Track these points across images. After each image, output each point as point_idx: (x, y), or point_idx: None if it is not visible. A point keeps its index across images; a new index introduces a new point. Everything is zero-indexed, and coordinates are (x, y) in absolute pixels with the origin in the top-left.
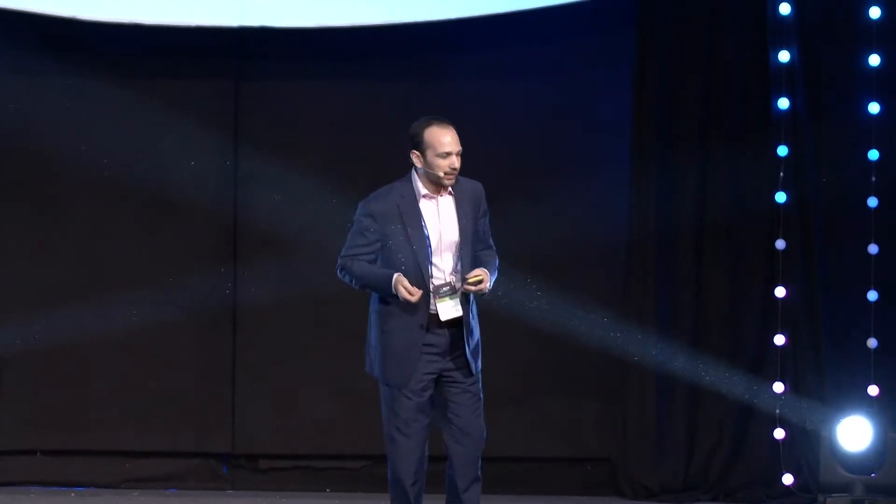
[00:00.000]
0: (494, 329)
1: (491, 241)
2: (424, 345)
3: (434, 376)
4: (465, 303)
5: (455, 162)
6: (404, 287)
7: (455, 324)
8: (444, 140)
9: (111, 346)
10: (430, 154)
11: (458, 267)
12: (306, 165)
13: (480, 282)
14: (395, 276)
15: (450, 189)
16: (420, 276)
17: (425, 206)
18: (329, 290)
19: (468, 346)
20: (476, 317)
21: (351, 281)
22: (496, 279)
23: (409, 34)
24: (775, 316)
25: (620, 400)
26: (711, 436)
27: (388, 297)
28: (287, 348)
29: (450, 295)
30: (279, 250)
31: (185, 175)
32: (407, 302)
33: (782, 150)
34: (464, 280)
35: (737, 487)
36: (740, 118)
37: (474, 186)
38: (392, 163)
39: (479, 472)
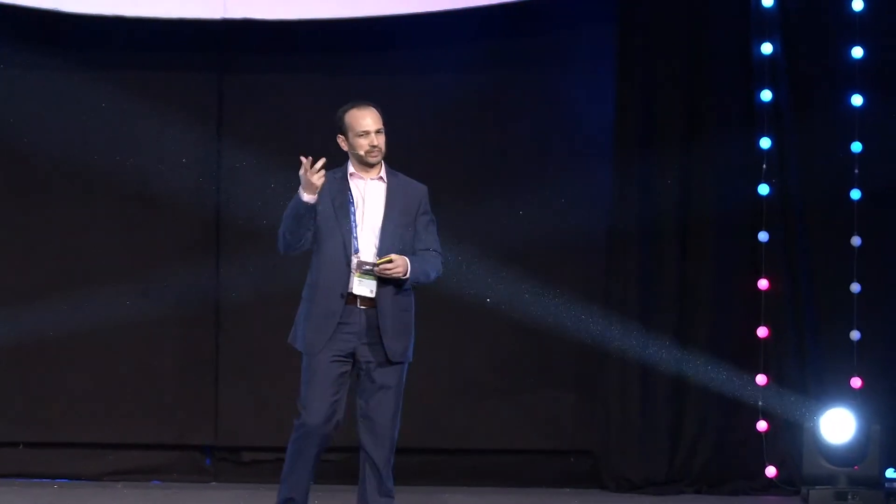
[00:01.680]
0: (477, 322)
1: (436, 247)
2: (341, 321)
3: (349, 355)
4: (383, 287)
5: (374, 139)
6: (305, 170)
7: (374, 306)
8: (363, 121)
9: (94, 339)
10: (351, 135)
11: (380, 249)
12: (290, 159)
13: (390, 262)
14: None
15: (382, 176)
16: (343, 250)
17: (354, 186)
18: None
19: (383, 331)
20: (408, 308)
21: (283, 234)
22: (431, 277)
23: (393, 26)
24: (758, 308)
25: (603, 392)
26: (694, 428)
27: (304, 210)
28: (269, 341)
29: (366, 274)
30: (262, 244)
31: (168, 168)
32: (331, 258)
33: (765, 143)
34: (362, 262)
35: (720, 480)
36: (723, 110)
37: (417, 187)
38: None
39: (391, 485)
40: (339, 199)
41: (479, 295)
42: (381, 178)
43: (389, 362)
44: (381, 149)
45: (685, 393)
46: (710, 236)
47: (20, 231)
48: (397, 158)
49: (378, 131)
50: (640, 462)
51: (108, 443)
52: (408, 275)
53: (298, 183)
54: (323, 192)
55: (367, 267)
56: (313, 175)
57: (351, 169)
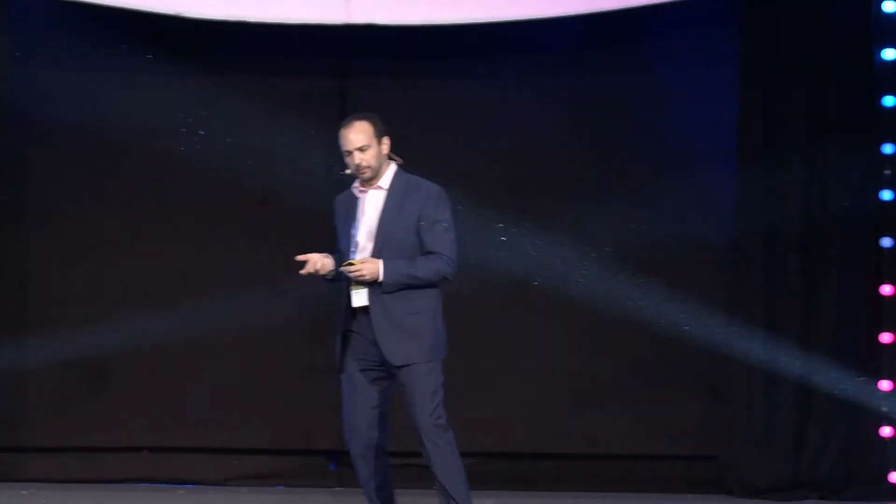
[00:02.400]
0: (601, 326)
1: (441, 248)
2: (355, 331)
3: (377, 363)
4: (374, 294)
5: (356, 158)
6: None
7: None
8: (344, 141)
9: (218, 344)
10: (344, 157)
11: (372, 256)
12: (412, 163)
13: (351, 265)
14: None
15: (381, 184)
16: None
17: (360, 199)
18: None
19: (377, 336)
20: (418, 311)
21: None
22: (428, 277)
23: (513, 31)
24: (881, 314)
25: (728, 398)
26: (818, 434)
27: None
28: None
29: (358, 284)
30: None
31: (292, 174)
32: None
33: (887, 148)
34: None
35: (844, 485)
36: (845, 116)
37: (423, 190)
38: (497, 159)
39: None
40: (349, 216)
41: (603, 300)
42: (380, 186)
43: (398, 366)
44: (368, 166)
45: (809, 398)
46: (833, 242)
47: (145, 237)
48: (516, 165)
49: (361, 148)
50: (764, 467)
51: (232, 448)
52: (380, 277)
53: None
54: (338, 210)
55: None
56: (311, 270)
57: (356, 181)
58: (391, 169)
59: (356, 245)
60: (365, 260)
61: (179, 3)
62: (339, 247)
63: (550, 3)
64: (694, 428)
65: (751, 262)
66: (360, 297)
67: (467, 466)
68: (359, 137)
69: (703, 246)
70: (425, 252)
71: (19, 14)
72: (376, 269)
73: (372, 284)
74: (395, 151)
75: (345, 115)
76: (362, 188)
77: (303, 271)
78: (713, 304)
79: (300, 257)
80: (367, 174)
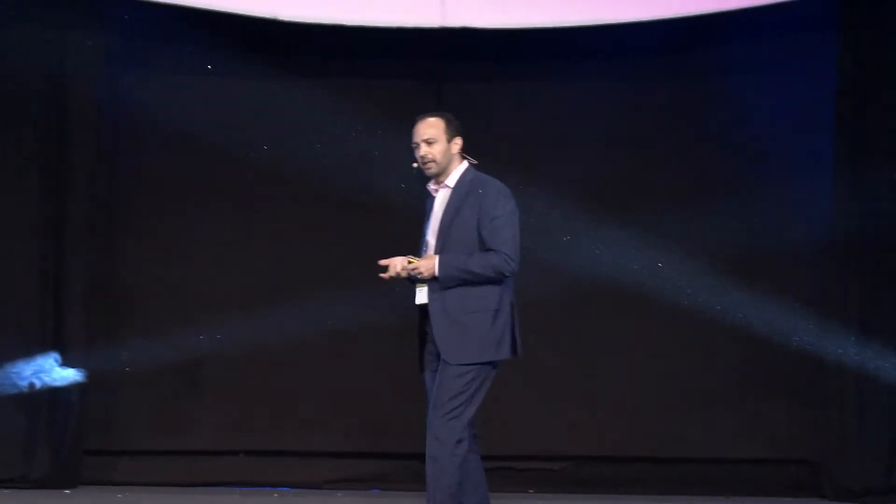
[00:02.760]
0: (696, 330)
1: (498, 245)
2: (424, 329)
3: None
4: (433, 291)
5: (422, 150)
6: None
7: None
8: (414, 133)
9: (314, 347)
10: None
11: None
12: (506, 167)
13: (414, 268)
14: None
15: (448, 183)
16: None
17: (432, 200)
18: (535, 294)
19: (433, 331)
20: (475, 310)
21: None
22: (484, 272)
23: (612, 34)
24: None
25: (823, 401)
26: None
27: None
28: None
29: (420, 283)
30: None
31: (388, 176)
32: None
33: None
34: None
35: None
36: None
37: (482, 187)
38: (591, 162)
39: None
40: (427, 215)
41: (699, 305)
42: (447, 185)
43: (447, 362)
44: (432, 159)
45: None
46: None
47: (240, 240)
48: (610, 168)
49: (428, 141)
50: (859, 471)
51: (327, 451)
52: (435, 272)
53: (515, 188)
54: (427, 210)
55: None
56: (392, 274)
57: (431, 181)
58: (461, 168)
59: (426, 244)
60: (423, 257)
61: (276, 6)
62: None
63: (648, 6)
64: (788, 431)
65: (846, 264)
66: (421, 295)
67: (561, 470)
68: (428, 131)
69: (798, 248)
70: (485, 249)
71: (113, 17)
72: (432, 264)
73: (432, 281)
74: (487, 154)
75: None
76: (434, 187)
77: (384, 275)
78: (809, 307)
79: (383, 262)
80: (433, 169)
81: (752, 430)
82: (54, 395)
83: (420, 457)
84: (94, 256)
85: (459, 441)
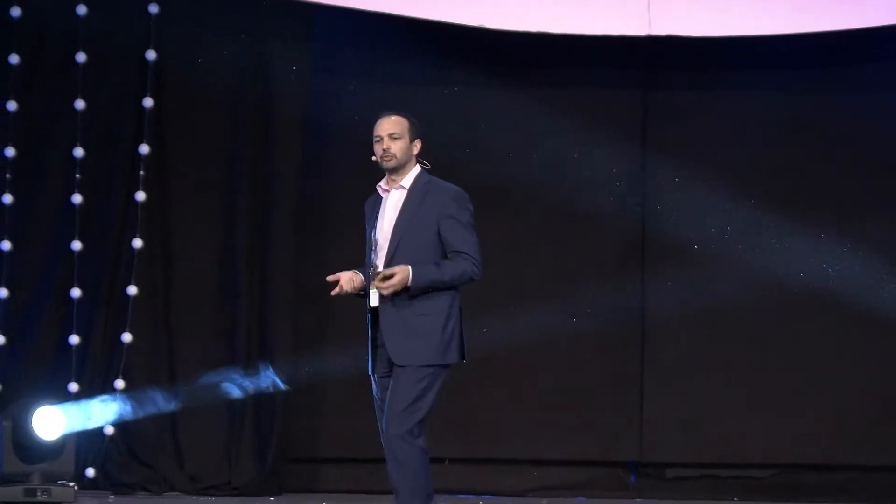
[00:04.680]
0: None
1: (465, 248)
2: (376, 335)
3: (390, 366)
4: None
5: (385, 144)
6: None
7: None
8: (378, 127)
9: (519, 355)
10: (374, 144)
11: (389, 259)
12: (716, 176)
13: (386, 279)
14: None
15: (404, 184)
16: (368, 264)
17: (385, 199)
18: (737, 301)
19: (384, 334)
20: (429, 312)
21: None
22: (454, 280)
23: (805, 42)
24: None
25: None
26: None
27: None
28: (695, 359)
29: (373, 284)
30: (687, 260)
31: (593, 184)
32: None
33: None
34: (375, 274)
35: None
36: None
37: (442, 192)
38: (790, 169)
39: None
40: (372, 215)
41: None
42: (402, 186)
43: (398, 366)
44: (394, 154)
45: None
46: None
47: None
48: (805, 175)
49: (393, 136)
50: None
51: (532, 459)
52: (409, 283)
53: (722, 197)
54: (370, 209)
55: (371, 277)
56: (340, 292)
57: (382, 182)
58: (416, 170)
59: (375, 244)
60: (394, 271)
61: (484, 15)
62: (367, 249)
63: (852, 15)
64: None
65: None
66: (374, 298)
67: (765, 478)
68: (393, 127)
69: None
70: (450, 251)
71: (324, 24)
72: (406, 277)
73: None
74: (700, 164)
75: (647, 127)
76: (385, 187)
77: (333, 293)
78: None
79: (330, 278)
80: (392, 163)
81: None
82: (259, 402)
83: (624, 465)
84: (300, 264)
85: (419, 439)
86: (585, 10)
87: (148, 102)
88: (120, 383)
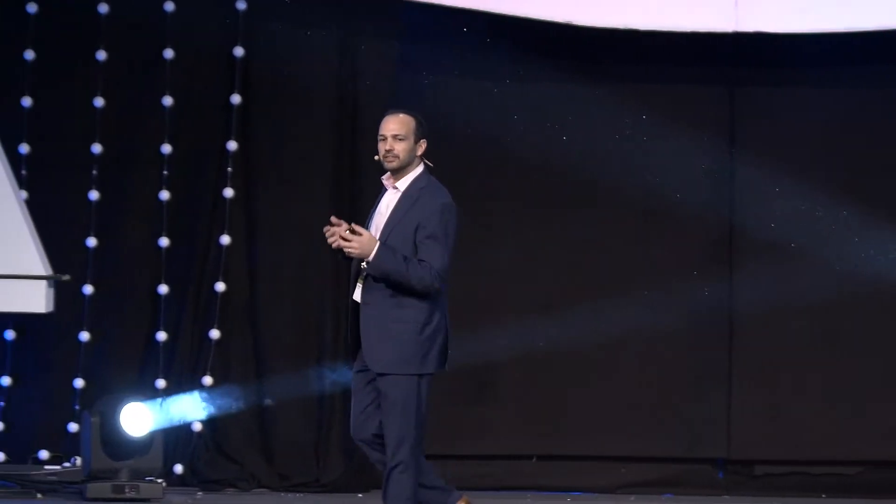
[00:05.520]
0: None
1: (429, 259)
2: (357, 333)
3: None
4: (370, 293)
5: (389, 144)
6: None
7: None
8: (383, 126)
9: (606, 351)
10: (378, 142)
11: None
12: (802, 172)
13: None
14: None
15: (398, 185)
16: (358, 260)
17: (383, 198)
18: (825, 297)
19: (362, 338)
20: (406, 321)
21: None
22: (414, 281)
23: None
24: None
25: None
26: None
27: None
28: (784, 355)
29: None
30: (776, 257)
31: (680, 181)
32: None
33: None
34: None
35: None
36: None
37: (429, 201)
38: (890, 167)
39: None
40: (374, 205)
41: None
42: (397, 188)
43: (377, 373)
44: (396, 155)
45: None
46: None
47: (534, 244)
48: (809, 172)
49: (397, 137)
50: None
51: (620, 455)
52: (370, 257)
53: (810, 194)
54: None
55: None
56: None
57: (384, 180)
58: (416, 171)
59: None
60: (362, 233)
61: (571, 11)
62: None
63: None
64: None
65: None
66: (358, 291)
67: (855, 475)
68: (399, 127)
69: None
70: (417, 259)
71: (409, 21)
72: (370, 248)
73: (367, 279)
74: (787, 161)
75: (734, 123)
76: (388, 181)
77: (328, 230)
78: None
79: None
80: (394, 164)
81: None
82: (347, 398)
83: (712, 461)
84: None
85: (413, 469)
86: (672, 6)
87: (236, 99)
88: (208, 379)
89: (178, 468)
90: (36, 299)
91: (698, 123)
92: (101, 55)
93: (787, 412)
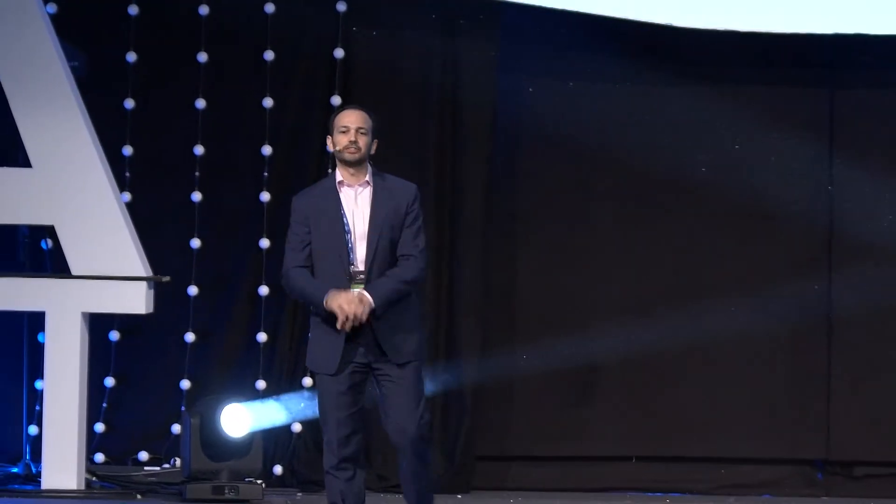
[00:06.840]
0: None
1: (416, 245)
2: (349, 335)
3: (362, 366)
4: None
5: (352, 136)
6: (337, 304)
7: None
8: (345, 118)
9: (705, 352)
10: (335, 134)
11: (372, 257)
12: (880, 171)
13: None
14: (326, 296)
15: (368, 180)
16: (341, 265)
17: (345, 195)
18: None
19: (378, 334)
20: (407, 307)
21: (290, 292)
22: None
23: None
24: None
25: None
26: None
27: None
28: (884, 355)
29: (359, 284)
30: (875, 258)
31: (779, 183)
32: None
33: None
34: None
35: None
36: None
37: (405, 186)
38: None
39: (424, 483)
40: (331, 213)
41: None
42: (367, 181)
43: (396, 365)
44: (360, 147)
45: None
46: None
47: (633, 246)
48: (890, 174)
49: (360, 130)
50: None
51: (719, 456)
52: (374, 304)
53: None
54: (313, 206)
55: (361, 277)
56: (341, 311)
57: (339, 177)
58: (369, 168)
59: (350, 244)
60: (352, 297)
61: (672, 13)
62: (315, 247)
63: None
64: None
65: None
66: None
67: None
68: (363, 121)
69: None
70: (400, 254)
71: (510, 23)
72: (367, 297)
73: (366, 282)
74: (888, 163)
75: (833, 125)
76: (348, 182)
77: (343, 326)
78: None
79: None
80: (356, 156)
81: None
82: (447, 400)
83: (811, 463)
84: (487, 263)
85: (431, 441)
86: (772, 7)
87: (336, 101)
88: (307, 381)
89: (278, 469)
90: (136, 300)
91: (798, 125)
92: (202, 57)
93: (886, 413)
